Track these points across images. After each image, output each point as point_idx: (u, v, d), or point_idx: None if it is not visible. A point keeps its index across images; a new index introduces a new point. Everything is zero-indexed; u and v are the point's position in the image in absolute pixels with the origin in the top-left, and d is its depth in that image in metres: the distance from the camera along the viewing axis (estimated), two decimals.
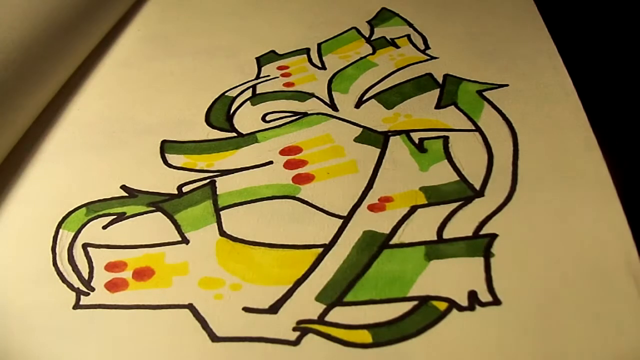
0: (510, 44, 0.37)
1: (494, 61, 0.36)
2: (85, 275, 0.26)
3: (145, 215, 0.29)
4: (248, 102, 0.36)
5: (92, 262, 0.27)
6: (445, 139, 0.31)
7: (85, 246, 0.28)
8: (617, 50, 0.51)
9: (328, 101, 0.35)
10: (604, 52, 0.51)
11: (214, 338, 0.23)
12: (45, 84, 0.37)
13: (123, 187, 0.31)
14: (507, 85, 0.34)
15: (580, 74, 0.33)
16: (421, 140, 0.32)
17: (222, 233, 0.28)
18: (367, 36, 0.41)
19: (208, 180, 0.31)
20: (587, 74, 0.32)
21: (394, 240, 0.26)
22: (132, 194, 0.30)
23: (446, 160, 0.30)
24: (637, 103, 0.31)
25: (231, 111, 0.35)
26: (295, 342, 0.23)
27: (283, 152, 0.32)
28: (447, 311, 0.23)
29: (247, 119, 0.35)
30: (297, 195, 0.29)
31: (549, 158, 0.29)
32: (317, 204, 0.29)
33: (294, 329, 0.23)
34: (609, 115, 0.35)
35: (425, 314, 0.23)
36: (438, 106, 0.34)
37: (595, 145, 0.29)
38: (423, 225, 0.27)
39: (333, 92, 0.36)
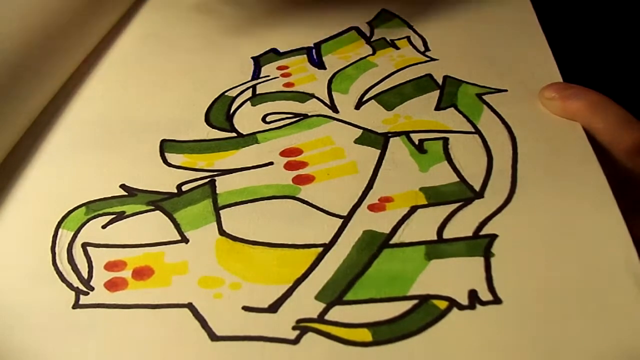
0: (509, 51, 0.37)
1: (493, 66, 0.36)
2: (85, 275, 0.26)
3: (144, 214, 0.29)
4: (248, 102, 0.36)
5: (91, 262, 0.27)
6: (445, 141, 0.31)
7: (84, 245, 0.28)
8: (613, 60, 0.52)
9: (328, 102, 0.35)
10: (600, 62, 0.51)
11: (213, 337, 0.23)
12: (45, 83, 0.37)
13: (122, 186, 0.31)
14: (506, 90, 0.34)
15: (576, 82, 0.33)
16: (421, 141, 0.32)
17: (222, 232, 0.28)
18: (367, 37, 0.41)
19: (208, 179, 0.31)
20: (583, 83, 0.32)
21: (394, 240, 0.26)
22: (131, 193, 0.30)
23: (446, 162, 0.30)
24: (633, 109, 0.31)
25: (231, 111, 0.35)
26: (295, 341, 0.23)
27: (283, 153, 0.32)
28: (448, 310, 0.23)
29: (247, 119, 0.35)
30: (297, 196, 0.29)
31: (547, 162, 0.29)
32: (317, 204, 0.29)
33: (294, 328, 0.23)
34: None
35: (425, 313, 0.23)
36: (438, 108, 0.34)
37: (590, 150, 0.29)
38: (423, 226, 0.27)
39: (333, 93, 0.36)
